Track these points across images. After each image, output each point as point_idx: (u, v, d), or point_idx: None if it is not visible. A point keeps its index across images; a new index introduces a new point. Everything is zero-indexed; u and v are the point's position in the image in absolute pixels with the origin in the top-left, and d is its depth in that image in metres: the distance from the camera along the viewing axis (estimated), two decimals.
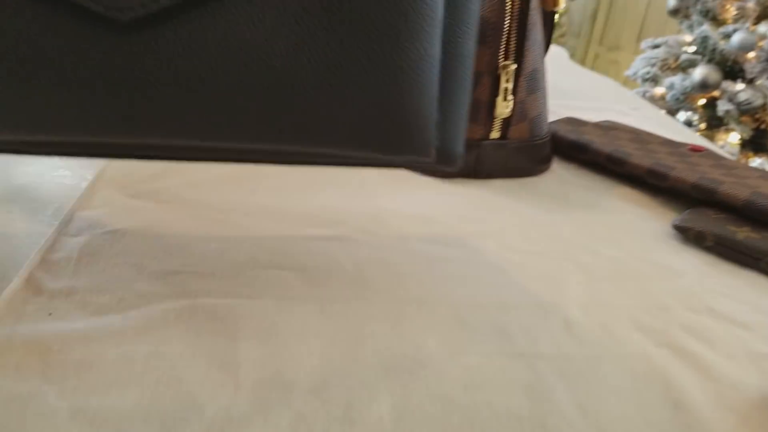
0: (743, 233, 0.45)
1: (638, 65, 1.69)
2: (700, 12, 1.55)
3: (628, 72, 1.74)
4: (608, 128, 0.65)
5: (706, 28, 1.50)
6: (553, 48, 1.09)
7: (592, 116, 0.77)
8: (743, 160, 1.47)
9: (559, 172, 0.60)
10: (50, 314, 0.33)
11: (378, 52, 0.27)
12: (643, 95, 1.66)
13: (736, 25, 1.47)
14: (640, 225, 0.50)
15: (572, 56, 2.82)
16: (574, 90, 0.89)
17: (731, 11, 1.48)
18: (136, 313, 0.33)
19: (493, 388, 0.31)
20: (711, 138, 1.55)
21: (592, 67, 2.84)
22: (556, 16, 0.62)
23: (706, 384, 0.32)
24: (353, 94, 0.28)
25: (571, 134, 0.62)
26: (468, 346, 0.33)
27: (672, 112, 1.63)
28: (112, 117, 0.27)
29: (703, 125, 1.56)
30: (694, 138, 0.76)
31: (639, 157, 0.56)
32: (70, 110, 0.27)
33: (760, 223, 0.47)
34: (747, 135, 1.47)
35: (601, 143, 0.60)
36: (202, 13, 0.26)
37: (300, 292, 0.36)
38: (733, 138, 1.53)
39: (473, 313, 0.36)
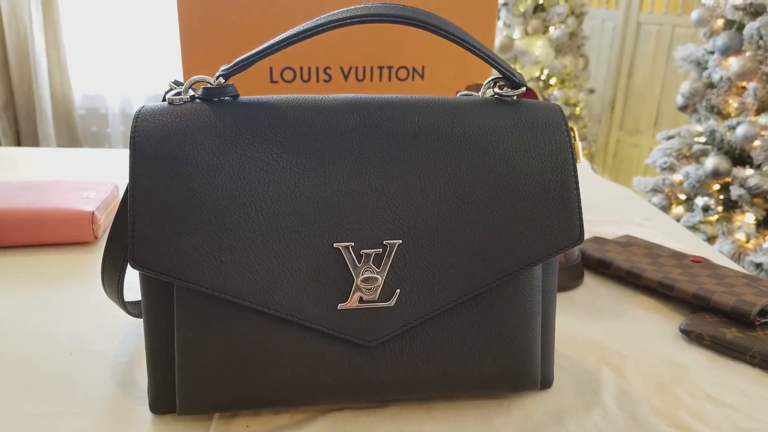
0: (731, 333, 0.61)
1: (656, 155, 1.87)
2: (706, 108, 1.73)
3: (648, 161, 1.92)
4: (626, 245, 0.82)
5: (713, 122, 1.68)
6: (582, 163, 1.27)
7: (614, 228, 0.94)
8: (760, 239, 1.61)
9: (590, 285, 0.76)
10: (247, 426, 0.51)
11: (510, 344, 0.49)
12: (663, 183, 1.83)
13: (740, 118, 1.64)
14: (655, 329, 0.66)
15: (595, 142, 3.01)
16: (598, 204, 1.07)
17: (733, 105, 1.66)
18: None
19: None
20: (729, 220, 1.69)
21: (615, 152, 3.02)
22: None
23: None
24: (498, 366, 0.50)
25: (596, 253, 0.79)
26: None
27: (690, 198, 1.78)
28: (351, 397, 0.49)
29: (720, 208, 1.71)
30: (696, 243, 0.92)
31: (651, 272, 0.73)
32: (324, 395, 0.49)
33: (745, 324, 0.63)
34: (761, 216, 1.62)
35: (621, 260, 0.76)
36: (413, 333, 0.48)
37: None
38: (749, 218, 1.67)
39: (575, 415, 0.52)
